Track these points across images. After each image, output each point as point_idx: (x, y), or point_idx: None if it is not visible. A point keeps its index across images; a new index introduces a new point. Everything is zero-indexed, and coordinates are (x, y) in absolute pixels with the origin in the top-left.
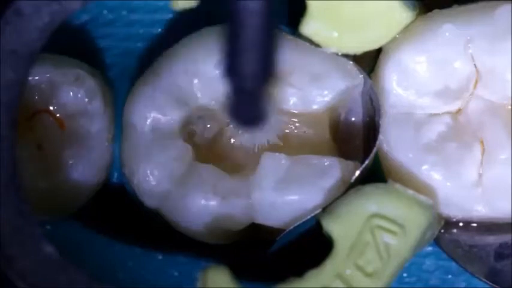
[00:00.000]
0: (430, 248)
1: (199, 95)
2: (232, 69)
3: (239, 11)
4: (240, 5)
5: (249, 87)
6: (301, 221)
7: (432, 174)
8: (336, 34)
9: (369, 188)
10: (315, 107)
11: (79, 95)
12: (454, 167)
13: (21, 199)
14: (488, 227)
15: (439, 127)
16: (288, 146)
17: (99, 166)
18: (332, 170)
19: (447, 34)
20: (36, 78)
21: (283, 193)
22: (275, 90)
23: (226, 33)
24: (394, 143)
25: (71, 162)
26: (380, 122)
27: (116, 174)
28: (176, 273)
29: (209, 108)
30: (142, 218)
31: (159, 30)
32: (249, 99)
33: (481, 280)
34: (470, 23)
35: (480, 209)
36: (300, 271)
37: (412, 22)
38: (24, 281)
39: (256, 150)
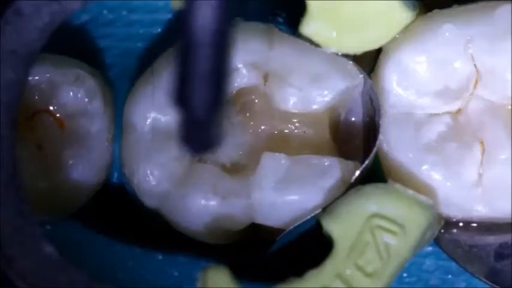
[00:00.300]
0: (430, 248)
1: None
2: (182, 98)
3: (190, 40)
4: (191, 34)
5: (199, 117)
6: (301, 221)
7: (432, 174)
8: (335, 34)
9: (369, 188)
10: (315, 107)
11: (79, 95)
12: (454, 167)
13: (21, 199)
14: (488, 227)
15: (439, 127)
16: (288, 146)
17: (99, 166)
18: (332, 170)
19: (447, 34)
20: (36, 78)
21: (283, 193)
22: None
23: (176, 61)
24: (394, 143)
25: (71, 162)
26: (380, 122)
27: (116, 174)
28: (176, 273)
29: None
30: (142, 218)
31: (159, 30)
32: (199, 128)
33: (481, 280)
34: (470, 23)
35: (480, 209)
36: (300, 271)
37: (412, 22)
38: (24, 281)
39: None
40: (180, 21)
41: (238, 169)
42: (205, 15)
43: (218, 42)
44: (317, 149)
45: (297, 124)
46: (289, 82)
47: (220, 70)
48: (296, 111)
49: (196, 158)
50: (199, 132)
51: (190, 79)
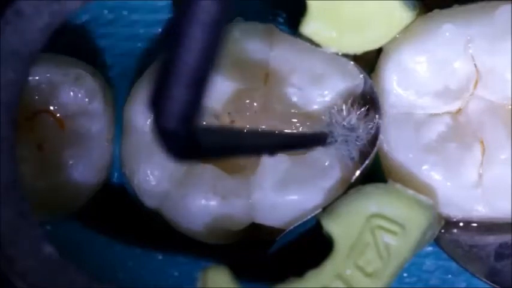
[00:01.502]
0: (430, 248)
1: None
2: (156, 104)
3: (180, 46)
4: (182, 42)
5: (170, 127)
6: (301, 221)
7: (432, 174)
8: (335, 34)
9: (369, 188)
10: (315, 107)
11: (79, 95)
12: (454, 167)
13: (21, 199)
14: (489, 227)
15: (439, 127)
16: None
17: (99, 166)
18: (332, 170)
19: (447, 34)
20: (36, 78)
21: (283, 193)
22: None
23: (160, 63)
24: (394, 143)
25: (71, 162)
26: (380, 122)
27: (116, 174)
28: (176, 273)
29: (209, 108)
30: (142, 218)
31: (160, 30)
32: (171, 137)
33: (481, 280)
34: (470, 23)
35: (480, 209)
36: (300, 271)
37: (412, 22)
38: (24, 281)
39: None
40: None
41: (238, 169)
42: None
43: (207, 50)
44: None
45: (297, 124)
46: (289, 82)
47: (201, 80)
48: (296, 111)
49: (180, 162)
50: (172, 141)
51: (168, 84)
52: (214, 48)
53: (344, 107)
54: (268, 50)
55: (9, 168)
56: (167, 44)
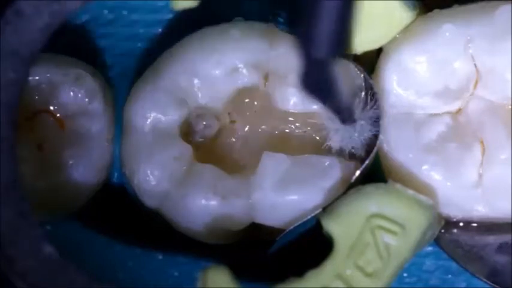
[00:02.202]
0: (430, 248)
1: (199, 94)
2: (307, 36)
3: None
4: None
5: (321, 54)
6: (301, 221)
7: (432, 174)
8: None
9: (369, 188)
10: (315, 107)
11: (79, 95)
12: (454, 167)
13: (21, 199)
14: (489, 227)
15: (439, 127)
16: (288, 146)
17: (99, 166)
18: (332, 170)
19: (447, 34)
20: (36, 78)
21: (283, 193)
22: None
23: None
24: (394, 143)
25: (71, 162)
26: (380, 122)
27: (116, 174)
28: (176, 273)
29: (209, 108)
30: (142, 218)
31: (159, 30)
32: (319, 67)
33: (481, 280)
34: (470, 23)
35: (480, 209)
36: (300, 271)
37: (412, 22)
38: (24, 281)
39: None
40: None
41: (238, 169)
42: None
43: None
44: (317, 149)
45: (297, 124)
46: (289, 82)
47: (348, 9)
48: (296, 111)
49: (313, 99)
50: (317, 71)
51: (318, 16)
52: None
53: (360, 94)
54: (269, 50)
55: (9, 168)
56: None
